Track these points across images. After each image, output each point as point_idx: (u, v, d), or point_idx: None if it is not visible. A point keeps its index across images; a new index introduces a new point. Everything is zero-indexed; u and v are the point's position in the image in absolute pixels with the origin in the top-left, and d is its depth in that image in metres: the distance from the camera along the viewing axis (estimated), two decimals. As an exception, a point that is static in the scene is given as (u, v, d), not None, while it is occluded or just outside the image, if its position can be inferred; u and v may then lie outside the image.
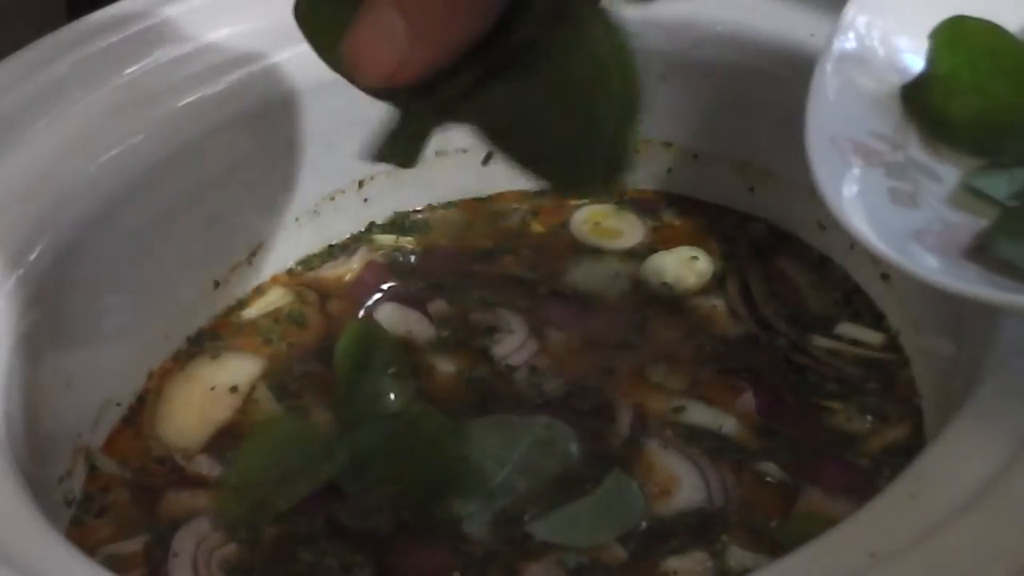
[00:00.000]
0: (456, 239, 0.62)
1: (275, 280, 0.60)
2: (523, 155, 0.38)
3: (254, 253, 0.58)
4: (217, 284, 0.57)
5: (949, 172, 0.42)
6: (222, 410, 0.52)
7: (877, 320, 0.54)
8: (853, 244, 0.39)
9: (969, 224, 0.40)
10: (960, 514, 0.33)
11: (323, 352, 0.54)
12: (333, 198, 0.60)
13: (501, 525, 0.45)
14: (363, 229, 0.62)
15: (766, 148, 0.59)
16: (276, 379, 0.54)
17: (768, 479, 0.47)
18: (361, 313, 0.57)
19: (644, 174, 0.63)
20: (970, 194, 0.42)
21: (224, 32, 0.55)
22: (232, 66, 0.54)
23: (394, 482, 0.47)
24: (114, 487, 0.49)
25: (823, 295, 0.56)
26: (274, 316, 0.57)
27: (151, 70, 0.53)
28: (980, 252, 0.39)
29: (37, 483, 0.43)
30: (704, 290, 0.57)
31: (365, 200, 0.61)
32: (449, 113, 0.38)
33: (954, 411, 0.38)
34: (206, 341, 0.56)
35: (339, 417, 0.51)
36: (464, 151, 0.62)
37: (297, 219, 0.59)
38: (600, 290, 0.58)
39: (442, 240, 0.62)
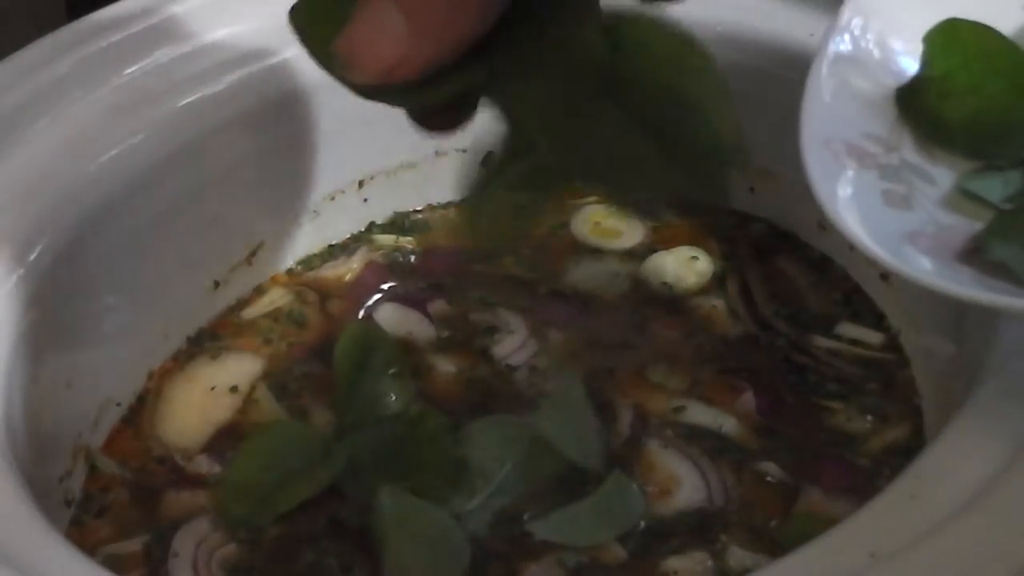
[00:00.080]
0: (456, 239, 0.62)
1: (275, 280, 0.60)
2: (632, 177, 0.37)
3: (254, 253, 0.58)
4: (217, 284, 0.57)
5: (943, 174, 0.43)
6: (222, 410, 0.52)
7: (877, 320, 0.54)
8: (852, 244, 0.40)
9: (963, 226, 0.40)
10: (960, 514, 0.33)
11: (323, 352, 0.54)
12: (333, 198, 0.60)
13: (501, 525, 0.45)
14: (363, 229, 0.62)
15: (766, 148, 0.58)
16: (276, 379, 0.54)
17: (768, 479, 0.47)
18: (361, 313, 0.57)
19: (644, 174, 0.63)
20: (964, 196, 0.42)
21: (224, 32, 0.55)
22: (232, 66, 0.54)
23: (394, 483, 0.47)
24: (114, 487, 0.49)
25: (823, 295, 0.56)
26: (274, 316, 0.57)
27: (151, 70, 0.53)
28: (974, 254, 0.39)
29: (37, 483, 0.43)
30: (704, 290, 0.57)
31: (365, 200, 0.61)
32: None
33: (954, 411, 0.38)
34: (206, 341, 0.56)
35: (339, 418, 0.51)
36: (464, 151, 0.62)
37: (297, 219, 0.59)
38: (600, 290, 0.58)
39: (442, 240, 0.62)
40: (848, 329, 0.54)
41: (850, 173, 0.41)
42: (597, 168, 0.37)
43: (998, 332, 0.40)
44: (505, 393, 0.52)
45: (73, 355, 0.48)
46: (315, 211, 0.60)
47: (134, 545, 0.47)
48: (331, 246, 0.61)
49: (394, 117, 0.59)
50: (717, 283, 0.57)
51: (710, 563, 0.44)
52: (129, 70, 0.53)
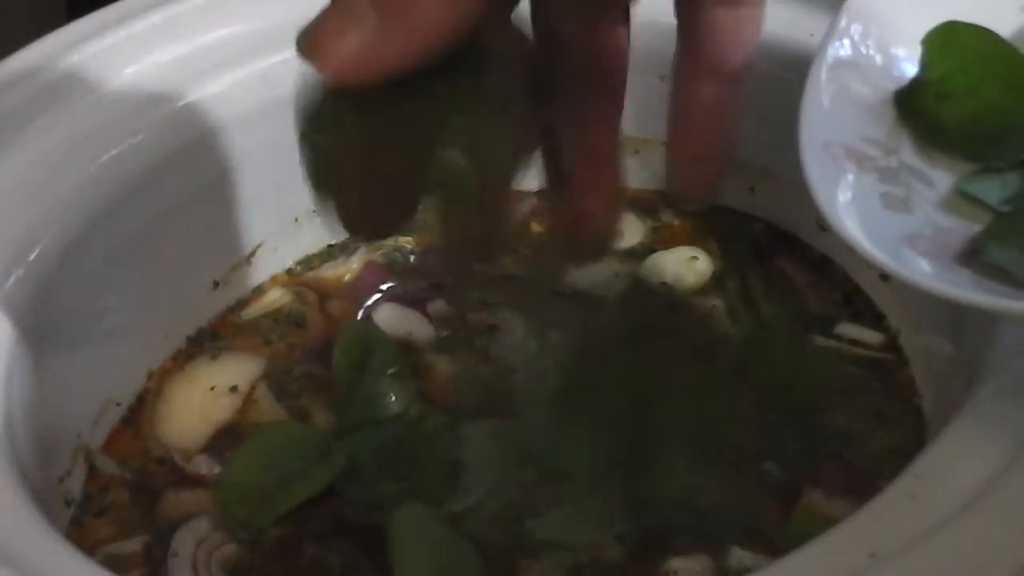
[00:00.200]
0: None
1: (275, 280, 0.60)
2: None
3: (254, 253, 0.58)
4: (217, 284, 0.57)
5: (942, 177, 0.43)
6: (222, 410, 0.52)
7: (877, 320, 0.54)
8: (851, 248, 0.40)
9: (962, 229, 0.40)
10: (960, 514, 0.33)
11: (323, 352, 0.54)
12: (333, 198, 0.60)
13: (500, 525, 0.45)
14: (363, 229, 0.62)
15: (766, 148, 0.59)
16: (276, 379, 0.54)
17: (768, 479, 0.47)
18: (361, 313, 0.57)
19: (644, 174, 0.63)
20: (963, 199, 0.42)
21: (224, 32, 0.55)
22: (232, 66, 0.54)
23: (393, 483, 0.47)
24: (114, 487, 0.49)
25: (823, 295, 0.56)
26: (274, 316, 0.57)
27: (151, 70, 0.53)
28: (972, 257, 0.39)
29: (37, 483, 0.43)
30: (704, 290, 0.57)
31: (365, 200, 0.61)
32: None
33: (954, 411, 0.38)
34: (206, 341, 0.56)
35: (339, 418, 0.51)
36: (464, 151, 0.62)
37: (297, 219, 0.59)
38: (600, 290, 0.58)
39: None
40: (848, 329, 0.54)
41: (849, 176, 0.41)
42: None
43: (998, 332, 0.40)
44: (505, 393, 0.52)
45: (73, 355, 0.48)
46: (315, 211, 0.60)
47: (134, 545, 0.47)
48: (331, 246, 0.61)
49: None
50: (717, 283, 0.57)
51: (710, 563, 0.44)
52: (129, 70, 0.53)
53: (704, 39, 0.40)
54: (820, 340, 0.53)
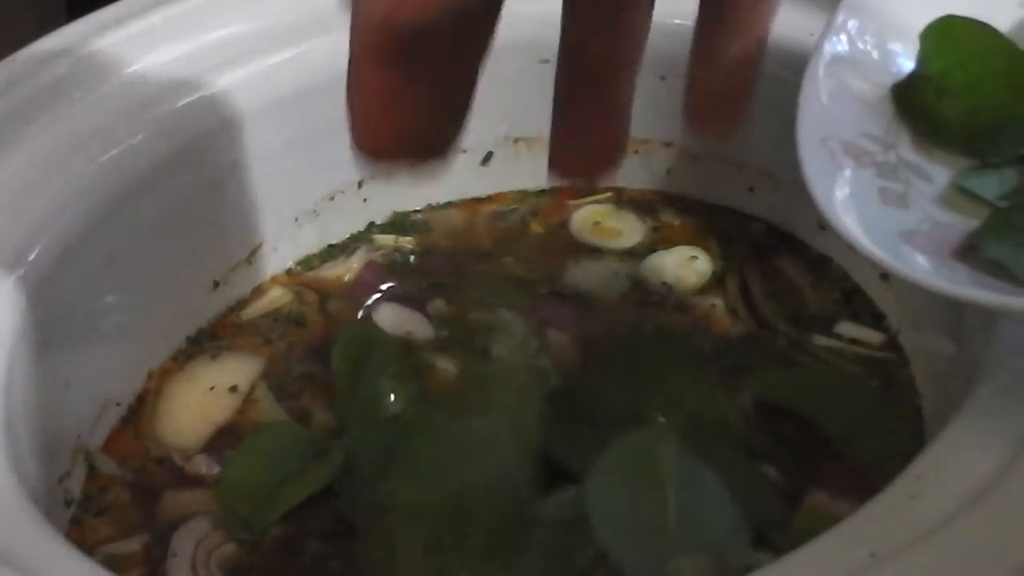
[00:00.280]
0: (456, 239, 0.62)
1: (275, 280, 0.60)
2: None
3: (254, 253, 0.58)
4: (217, 284, 0.57)
5: (940, 172, 0.43)
6: (222, 410, 0.52)
7: (877, 320, 0.54)
8: (850, 244, 0.40)
9: (959, 224, 0.40)
10: (960, 514, 0.33)
11: (323, 352, 0.54)
12: (333, 198, 0.60)
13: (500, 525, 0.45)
14: (363, 229, 0.62)
15: (766, 148, 0.59)
16: (276, 379, 0.54)
17: (770, 480, 0.47)
18: (361, 313, 0.57)
19: (644, 174, 0.63)
20: (961, 194, 0.42)
21: (224, 32, 0.55)
22: (232, 66, 0.54)
23: (393, 482, 0.47)
24: (114, 487, 0.49)
25: (823, 295, 0.56)
26: (274, 316, 0.57)
27: (151, 70, 0.53)
28: (970, 253, 0.39)
29: (37, 483, 0.43)
30: (704, 290, 0.57)
31: (365, 200, 0.61)
32: None
33: (954, 411, 0.38)
34: (206, 341, 0.56)
35: (339, 419, 0.51)
36: (464, 151, 0.62)
37: (297, 219, 0.59)
38: (600, 290, 0.58)
39: (442, 240, 0.62)
40: (848, 329, 0.54)
41: (847, 172, 0.41)
42: None
43: (998, 332, 0.40)
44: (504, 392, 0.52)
45: (73, 355, 0.48)
46: (315, 211, 0.60)
47: (133, 545, 0.47)
48: (331, 246, 0.61)
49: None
50: (717, 283, 0.57)
51: (710, 562, 0.44)
52: (129, 70, 0.53)
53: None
54: (820, 340, 0.53)
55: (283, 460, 0.48)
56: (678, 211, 0.62)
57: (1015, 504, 0.33)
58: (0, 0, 0.78)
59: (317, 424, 0.51)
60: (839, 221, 0.39)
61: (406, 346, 0.54)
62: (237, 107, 0.54)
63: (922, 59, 0.44)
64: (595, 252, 0.60)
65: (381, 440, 0.49)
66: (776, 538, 0.43)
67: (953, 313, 0.45)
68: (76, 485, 0.49)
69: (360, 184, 0.61)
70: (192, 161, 0.53)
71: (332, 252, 0.61)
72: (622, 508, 0.41)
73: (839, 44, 0.44)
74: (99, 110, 0.51)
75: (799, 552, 0.34)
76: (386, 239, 0.61)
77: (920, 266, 0.38)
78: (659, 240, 0.60)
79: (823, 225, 0.57)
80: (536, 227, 0.62)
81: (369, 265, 0.60)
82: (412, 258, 0.60)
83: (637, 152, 0.63)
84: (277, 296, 0.58)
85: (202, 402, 0.53)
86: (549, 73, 0.61)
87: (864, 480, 0.46)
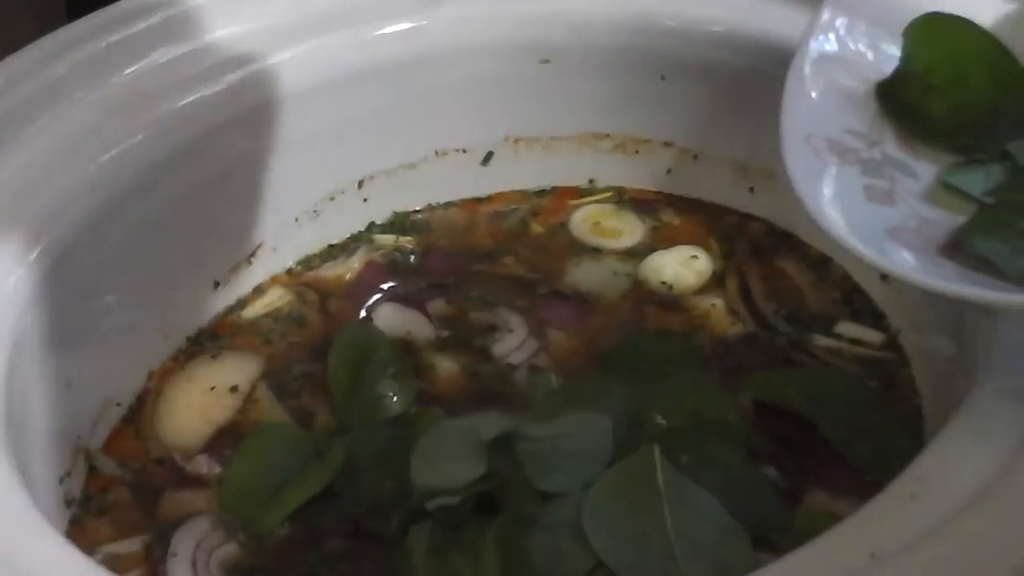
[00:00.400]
0: (456, 239, 0.62)
1: (275, 280, 0.60)
2: None
3: (254, 253, 0.58)
4: (217, 284, 0.57)
5: (925, 169, 0.42)
6: (222, 410, 0.52)
7: (877, 319, 0.54)
8: (835, 241, 0.40)
9: (946, 220, 0.40)
10: (960, 514, 0.33)
11: (323, 352, 0.54)
12: (333, 198, 0.60)
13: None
14: (363, 229, 0.62)
15: (766, 148, 0.58)
16: (276, 379, 0.54)
17: (770, 479, 0.47)
18: (361, 313, 0.57)
19: (644, 174, 0.63)
20: (947, 191, 0.42)
21: (224, 32, 0.55)
22: (232, 66, 0.54)
23: (393, 482, 0.47)
24: (114, 487, 0.49)
25: (823, 294, 0.56)
26: (274, 316, 0.57)
27: (151, 70, 0.53)
28: (957, 248, 0.39)
29: (37, 483, 0.43)
30: (704, 289, 0.57)
31: (365, 200, 0.61)
32: None
33: (954, 411, 0.38)
34: (206, 341, 0.56)
35: (340, 420, 0.51)
36: (464, 151, 0.62)
37: (297, 219, 0.59)
38: (600, 290, 0.58)
39: (442, 240, 0.62)
40: (848, 328, 0.54)
41: (832, 169, 0.41)
42: None
43: (998, 332, 0.40)
44: (505, 392, 0.52)
45: (73, 355, 0.48)
46: (315, 211, 0.60)
47: (134, 545, 0.47)
48: (331, 246, 0.61)
49: (394, 117, 0.60)
50: (717, 282, 0.57)
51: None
52: (129, 70, 0.53)
53: None
54: (820, 340, 0.53)
55: (283, 461, 0.48)
56: (678, 211, 0.62)
57: (1015, 504, 0.33)
58: (0, 0, 0.78)
59: (317, 424, 0.51)
60: (824, 218, 0.39)
61: (406, 346, 0.54)
62: (237, 107, 0.54)
63: (906, 56, 0.44)
64: (595, 252, 0.60)
65: (381, 440, 0.49)
66: (776, 538, 0.43)
67: (953, 313, 0.45)
68: (76, 485, 0.49)
69: (360, 184, 0.61)
70: (192, 161, 0.53)
71: (332, 252, 0.61)
72: (620, 526, 0.41)
73: (823, 41, 0.44)
74: (99, 110, 0.51)
75: (799, 552, 0.34)
76: (386, 239, 0.61)
77: (907, 262, 0.38)
78: (659, 240, 0.60)
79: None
80: (536, 227, 0.62)
81: (369, 265, 0.60)
82: (412, 258, 0.60)
83: (637, 152, 0.63)
84: (277, 296, 0.58)
85: (202, 402, 0.53)
86: (549, 73, 0.61)
87: (864, 480, 0.46)
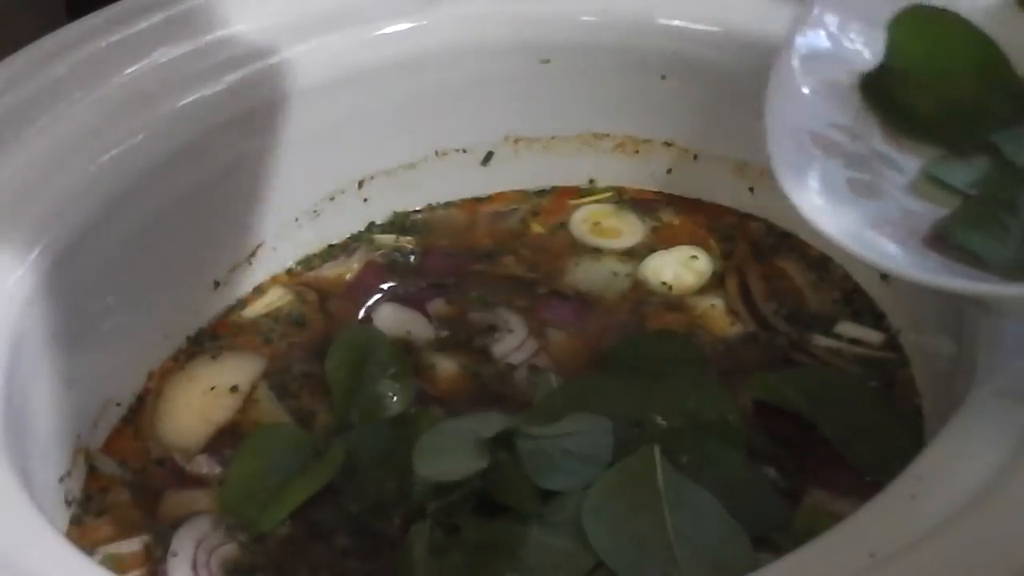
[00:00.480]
0: (456, 239, 0.62)
1: (275, 280, 0.60)
2: None
3: (254, 253, 0.58)
4: (217, 284, 0.57)
5: (910, 162, 0.42)
6: (222, 410, 0.52)
7: (877, 319, 0.54)
8: (819, 233, 0.40)
9: (930, 213, 0.40)
10: (960, 514, 0.33)
11: (323, 352, 0.54)
12: (333, 198, 0.60)
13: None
14: (363, 229, 0.62)
15: (766, 148, 0.59)
16: (276, 379, 0.54)
17: (770, 479, 0.47)
18: (361, 313, 0.57)
19: (644, 174, 0.63)
20: (931, 183, 0.42)
21: (224, 32, 0.55)
22: (232, 66, 0.54)
23: (393, 481, 0.47)
24: (114, 487, 0.49)
25: (823, 294, 0.56)
26: (274, 316, 0.57)
27: (151, 70, 0.53)
28: (941, 241, 0.39)
29: (37, 483, 0.43)
30: (703, 289, 0.57)
31: (365, 200, 0.61)
32: None
33: (954, 411, 0.38)
34: (206, 341, 0.56)
35: (340, 420, 0.51)
36: (464, 151, 0.62)
37: (297, 219, 0.59)
38: (600, 290, 0.58)
39: (442, 240, 0.62)
40: (848, 328, 0.54)
41: (816, 162, 0.41)
42: None
43: (998, 332, 0.40)
44: (505, 392, 0.52)
45: (73, 355, 0.48)
46: (315, 211, 0.60)
47: (134, 545, 0.47)
48: (331, 246, 0.61)
49: (394, 117, 0.60)
50: (717, 282, 0.57)
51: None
52: (129, 70, 0.53)
53: None
54: (820, 340, 0.53)
55: (283, 461, 0.48)
56: (678, 211, 0.62)
57: (1015, 504, 0.33)
58: (0, 0, 0.78)
59: (317, 424, 0.51)
60: (809, 212, 0.39)
61: (406, 346, 0.54)
62: (237, 107, 0.54)
63: (890, 49, 0.44)
64: (595, 252, 0.60)
65: (382, 440, 0.49)
66: (776, 538, 0.43)
67: (953, 313, 0.45)
68: (76, 485, 0.49)
69: (360, 184, 0.61)
70: (192, 161, 0.53)
71: (332, 252, 0.61)
72: (620, 526, 0.41)
73: (809, 36, 0.44)
74: (99, 110, 0.51)
75: (799, 552, 0.34)
76: (386, 239, 0.61)
77: (890, 254, 0.38)
78: (659, 240, 0.60)
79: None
80: (536, 227, 0.62)
81: (369, 265, 0.60)
82: (412, 258, 0.60)
83: (637, 152, 0.63)
84: (277, 296, 0.58)
85: (203, 402, 0.53)
86: (549, 73, 0.61)
87: (864, 480, 0.46)
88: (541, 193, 0.64)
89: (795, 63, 0.43)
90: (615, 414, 0.46)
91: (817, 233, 0.38)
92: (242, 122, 0.54)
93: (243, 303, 0.58)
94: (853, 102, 0.43)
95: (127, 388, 0.53)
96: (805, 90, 0.43)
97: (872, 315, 0.54)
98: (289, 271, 0.60)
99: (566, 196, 0.64)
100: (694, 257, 0.58)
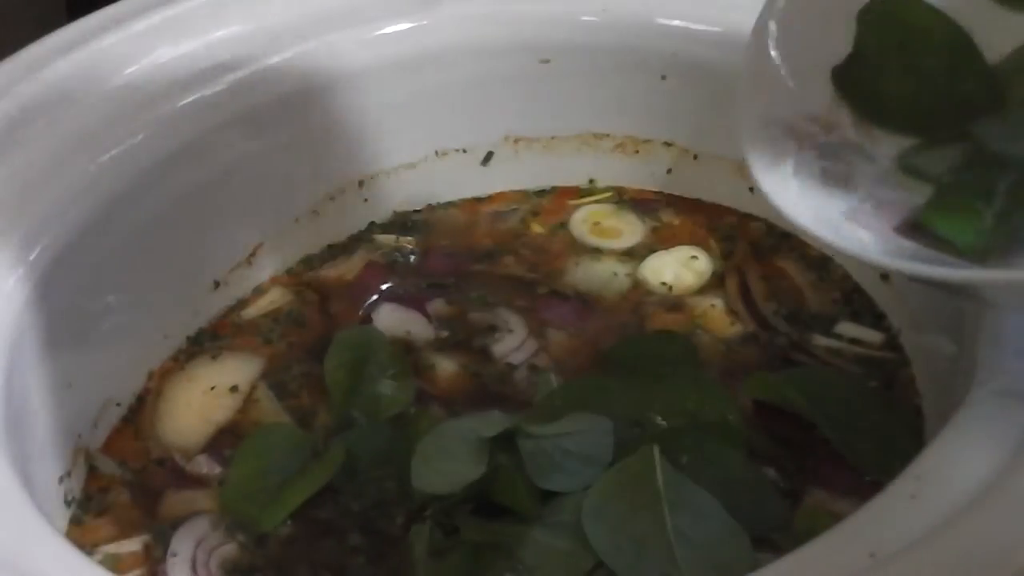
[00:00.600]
0: (456, 239, 0.62)
1: (275, 280, 0.60)
2: None
3: (254, 253, 0.58)
4: (217, 284, 0.57)
5: (883, 151, 0.42)
6: (222, 410, 0.52)
7: (877, 319, 0.54)
8: (792, 223, 0.40)
9: (904, 202, 0.40)
10: (960, 514, 0.33)
11: (323, 352, 0.54)
12: (333, 198, 0.60)
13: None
14: (363, 229, 0.62)
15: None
16: (276, 379, 0.54)
17: (768, 479, 0.47)
18: (361, 313, 0.57)
19: (644, 174, 0.63)
20: (905, 172, 0.42)
21: (224, 32, 0.55)
22: (232, 66, 0.54)
23: (393, 481, 0.47)
24: (114, 487, 0.49)
25: (823, 294, 0.56)
26: (274, 316, 0.57)
27: (151, 70, 0.53)
28: (916, 229, 0.39)
29: (37, 483, 0.43)
30: (703, 289, 0.57)
31: (365, 200, 0.61)
32: None
33: (954, 411, 0.38)
34: (206, 341, 0.56)
35: (339, 420, 0.50)
36: (464, 151, 0.62)
37: (297, 219, 0.59)
38: (600, 290, 0.58)
39: (442, 240, 0.62)
40: (848, 328, 0.54)
41: (789, 153, 0.41)
42: None
43: (998, 331, 0.40)
44: (505, 392, 0.52)
45: (73, 355, 0.48)
46: (315, 211, 0.60)
47: (134, 545, 0.47)
48: (331, 246, 0.61)
49: (393, 117, 0.60)
50: (717, 282, 0.57)
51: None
52: (129, 70, 0.53)
53: None
54: (820, 340, 0.53)
55: (283, 461, 0.48)
56: (678, 211, 0.62)
57: (1015, 504, 0.33)
58: (0, 0, 0.78)
59: (317, 424, 0.51)
60: (782, 202, 0.39)
61: (406, 346, 0.54)
62: (237, 107, 0.54)
63: (860, 39, 0.44)
64: (595, 252, 0.60)
65: (382, 440, 0.49)
66: (776, 538, 0.43)
67: (954, 313, 0.45)
68: (76, 485, 0.49)
69: (360, 184, 0.61)
70: (192, 161, 0.53)
71: (332, 252, 0.61)
72: (620, 525, 0.41)
73: (778, 24, 0.44)
74: (99, 110, 0.51)
75: (799, 552, 0.34)
76: (386, 239, 0.61)
77: (863, 242, 0.38)
78: (659, 240, 0.60)
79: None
80: (536, 227, 0.62)
81: (369, 265, 0.60)
82: (412, 258, 0.60)
83: (637, 152, 0.63)
84: (277, 296, 0.58)
85: (203, 402, 0.53)
86: (549, 73, 0.61)
87: (864, 480, 0.46)
88: (541, 193, 0.64)
89: (766, 54, 0.43)
90: (615, 414, 0.46)
91: (792, 223, 0.38)
92: (242, 122, 0.54)
93: (243, 303, 0.58)
94: (826, 93, 0.43)
95: (127, 388, 0.53)
96: (777, 81, 0.43)
97: (872, 315, 0.54)
98: (289, 271, 0.60)
99: (566, 196, 0.64)
100: (694, 257, 0.58)
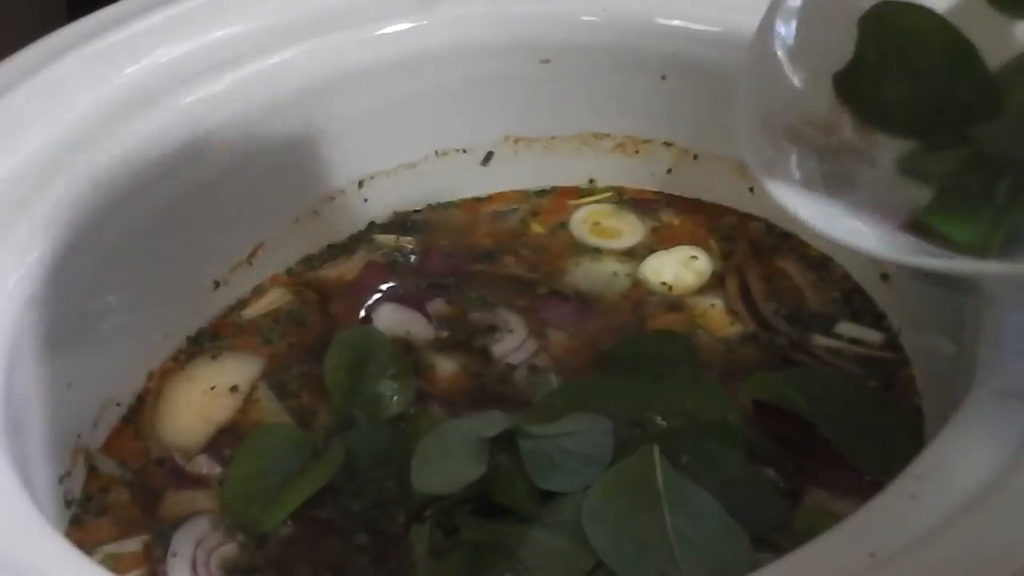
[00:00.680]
0: (456, 239, 0.62)
1: (275, 280, 0.60)
2: None
3: (254, 253, 0.58)
4: (217, 284, 0.57)
5: (883, 155, 0.43)
6: (222, 410, 0.52)
7: (877, 319, 0.54)
8: (796, 219, 0.40)
9: (904, 205, 0.40)
10: (960, 514, 0.33)
11: (323, 352, 0.54)
12: (333, 198, 0.60)
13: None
14: (363, 229, 0.62)
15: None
16: (276, 379, 0.54)
17: (768, 479, 0.47)
18: (361, 313, 0.57)
19: (644, 174, 0.63)
20: (905, 176, 0.42)
21: (224, 32, 0.55)
22: (232, 66, 0.54)
23: (393, 481, 0.47)
24: (114, 487, 0.49)
25: (823, 294, 0.56)
26: (274, 316, 0.57)
27: (151, 70, 0.53)
28: (917, 229, 0.39)
29: (37, 483, 0.43)
30: (703, 289, 0.57)
31: (365, 200, 0.61)
32: None
33: (954, 411, 0.38)
34: (206, 341, 0.56)
35: (339, 420, 0.50)
36: (464, 151, 0.62)
37: (297, 219, 0.59)
38: (600, 290, 0.58)
39: (442, 240, 0.62)
40: (848, 328, 0.54)
41: (789, 157, 0.41)
42: None
43: (998, 332, 0.40)
44: (505, 392, 0.52)
45: (73, 355, 0.48)
46: (315, 211, 0.60)
47: (134, 545, 0.47)
48: (331, 246, 0.61)
49: (394, 117, 0.60)
50: (717, 282, 0.57)
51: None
52: (129, 70, 0.53)
53: None
54: (820, 340, 0.53)
55: (283, 461, 0.48)
56: (678, 211, 0.62)
57: (1015, 504, 0.33)
58: (1, 1, 0.78)
59: (317, 424, 0.51)
60: (781, 196, 0.39)
61: (406, 346, 0.54)
62: (237, 107, 0.54)
63: (862, 44, 0.44)
64: (595, 252, 0.60)
65: (382, 440, 0.49)
66: (776, 538, 0.43)
67: (953, 313, 0.45)
68: (76, 485, 0.49)
69: (360, 184, 0.61)
70: (192, 160, 0.53)
71: (332, 252, 0.61)
72: (620, 526, 0.41)
73: (782, 29, 0.44)
74: (99, 110, 0.51)
75: (799, 552, 0.34)
76: (386, 239, 0.61)
77: (865, 237, 0.38)
78: (659, 240, 0.60)
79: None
80: (536, 227, 0.62)
81: (369, 265, 0.60)
82: (412, 258, 0.60)
83: (637, 152, 0.63)
84: (277, 296, 0.58)
85: (203, 402, 0.53)
86: (549, 73, 0.61)
87: (864, 480, 0.46)
88: (541, 193, 0.64)
89: (768, 58, 0.43)
90: (615, 414, 0.46)
91: (791, 216, 0.38)
92: (242, 122, 0.54)
93: (243, 303, 0.58)
94: (826, 97, 0.44)
95: (127, 388, 0.53)
96: (778, 84, 0.43)
97: (872, 315, 0.54)
98: (289, 271, 0.60)
99: (566, 196, 0.64)
100: (694, 257, 0.58)
